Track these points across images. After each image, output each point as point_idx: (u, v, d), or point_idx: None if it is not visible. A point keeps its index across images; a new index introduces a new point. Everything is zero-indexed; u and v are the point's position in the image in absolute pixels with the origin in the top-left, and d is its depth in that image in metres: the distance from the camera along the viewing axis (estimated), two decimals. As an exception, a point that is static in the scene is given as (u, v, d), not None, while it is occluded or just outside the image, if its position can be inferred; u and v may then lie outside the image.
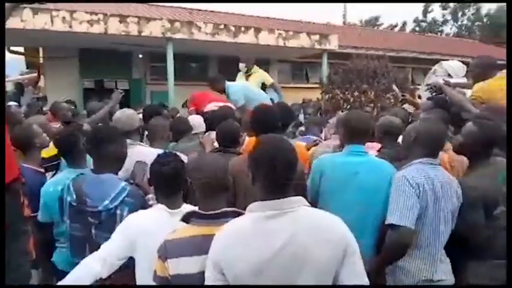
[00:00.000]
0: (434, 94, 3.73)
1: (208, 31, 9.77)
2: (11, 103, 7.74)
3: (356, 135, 2.32)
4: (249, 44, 10.25)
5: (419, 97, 5.40)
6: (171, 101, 9.17)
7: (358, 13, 49.92)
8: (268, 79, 6.33)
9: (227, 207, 1.66)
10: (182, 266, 1.58)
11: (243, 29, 10.24)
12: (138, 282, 1.85)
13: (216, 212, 1.62)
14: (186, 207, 1.91)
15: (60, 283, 1.77)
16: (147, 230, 1.80)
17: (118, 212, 2.02)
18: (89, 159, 2.75)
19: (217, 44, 10.10)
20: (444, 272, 2.07)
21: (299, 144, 3.04)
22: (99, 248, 1.82)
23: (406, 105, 4.79)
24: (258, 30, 10.42)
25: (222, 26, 10.01)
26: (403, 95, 4.87)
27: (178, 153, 2.08)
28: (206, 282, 1.45)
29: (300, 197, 1.44)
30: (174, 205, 1.89)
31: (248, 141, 2.92)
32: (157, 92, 11.14)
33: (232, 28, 10.09)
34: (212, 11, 13.41)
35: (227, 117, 3.20)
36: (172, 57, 9.49)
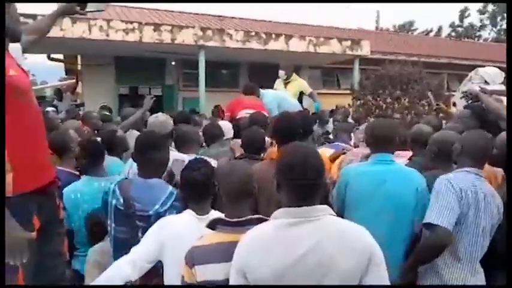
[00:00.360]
0: (470, 102, 3.61)
1: (239, 38, 9.87)
2: (49, 108, 8.10)
3: (381, 143, 2.28)
4: (280, 50, 10.27)
5: (454, 104, 5.23)
6: (202, 107, 9.30)
7: (392, 18, 49.06)
8: (307, 88, 6.38)
9: (251, 214, 1.66)
10: (209, 272, 1.60)
11: (273, 36, 10.27)
12: (166, 283, 1.88)
13: (242, 219, 1.63)
14: (214, 214, 1.93)
15: (92, 283, 1.83)
16: (176, 235, 1.83)
17: (167, 215, 2.04)
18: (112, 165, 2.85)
19: (248, 51, 10.18)
20: (478, 282, 2.02)
21: (321, 152, 3.02)
22: None
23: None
24: (288, 37, 10.43)
25: (252, 33, 10.09)
26: (437, 104, 4.75)
27: (208, 159, 2.12)
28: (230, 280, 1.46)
29: (326, 206, 1.43)
30: (203, 211, 1.90)
31: (270, 149, 2.92)
32: (189, 98, 11.33)
33: (263, 35, 10.15)
34: (243, 18, 13.55)
35: (254, 124, 3.23)
36: (204, 64, 9.64)
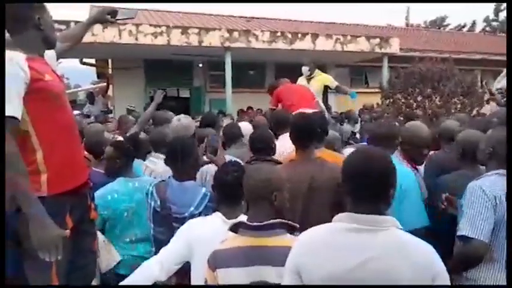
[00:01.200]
0: (504, 100, 3.48)
1: (265, 39, 9.89)
2: (76, 112, 8.39)
3: (377, 141, 2.36)
4: (306, 50, 10.20)
5: (488, 102, 5.06)
6: (229, 108, 9.37)
7: (422, 13, 47.79)
8: (332, 82, 6.21)
9: (273, 218, 1.64)
10: (231, 276, 1.60)
11: (299, 35, 10.23)
12: (193, 284, 1.90)
13: (262, 223, 1.62)
14: (243, 218, 1.94)
15: (121, 283, 1.89)
16: (203, 238, 1.84)
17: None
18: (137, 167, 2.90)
19: (274, 51, 10.18)
20: (505, 279, 1.93)
21: (335, 155, 2.94)
22: None
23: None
24: (315, 36, 10.35)
25: (278, 34, 10.08)
26: (491, 94, 4.58)
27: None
28: (284, 284, 1.44)
29: (393, 218, 1.36)
30: (233, 214, 1.89)
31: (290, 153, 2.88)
32: (216, 100, 11.45)
33: (289, 35, 10.12)
34: (269, 19, 13.55)
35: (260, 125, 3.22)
36: (231, 65, 9.71)
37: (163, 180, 2.37)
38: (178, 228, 2.08)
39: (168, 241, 2.05)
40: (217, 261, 1.65)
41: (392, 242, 1.31)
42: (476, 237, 1.87)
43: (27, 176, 1.70)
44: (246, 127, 3.82)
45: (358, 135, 5.04)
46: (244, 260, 1.59)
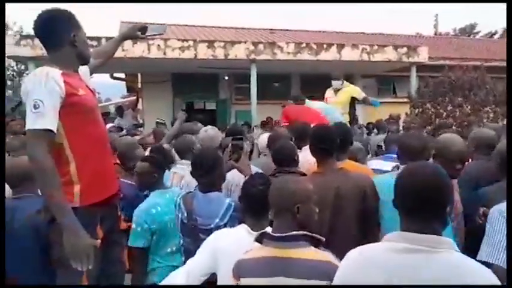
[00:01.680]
0: None
1: (290, 50, 9.93)
2: (109, 125, 8.65)
3: (408, 154, 2.33)
4: (332, 61, 10.17)
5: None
6: (254, 120, 9.42)
7: (451, 21, 46.87)
8: (359, 93, 6.26)
9: (297, 230, 1.63)
10: (254, 286, 1.60)
11: (325, 46, 10.21)
12: None
13: (284, 234, 1.61)
14: (269, 230, 1.93)
15: None
16: (229, 249, 1.85)
17: (228, 227, 2.15)
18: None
19: (299, 62, 10.20)
20: None
21: (358, 165, 2.87)
22: None
23: None
24: (340, 47, 10.31)
25: (303, 45, 10.10)
26: None
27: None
28: None
29: (450, 239, 1.29)
30: (259, 227, 1.88)
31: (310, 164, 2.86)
32: (241, 111, 11.54)
33: (314, 46, 10.12)
34: (294, 30, 13.61)
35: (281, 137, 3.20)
36: (256, 77, 9.79)
37: (189, 192, 2.41)
38: (205, 239, 2.08)
39: (195, 252, 2.06)
40: (241, 270, 1.66)
41: (449, 265, 1.23)
42: (497, 263, 1.79)
43: (61, 187, 1.76)
44: (261, 139, 3.82)
45: (383, 146, 4.93)
46: (268, 271, 1.58)
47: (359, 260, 1.36)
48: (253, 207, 1.94)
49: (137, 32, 2.52)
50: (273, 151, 2.92)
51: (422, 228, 1.27)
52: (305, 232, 1.63)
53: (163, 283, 1.93)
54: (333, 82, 6.23)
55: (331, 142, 2.43)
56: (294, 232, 1.62)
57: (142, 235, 2.48)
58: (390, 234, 1.33)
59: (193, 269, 1.89)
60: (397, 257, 1.27)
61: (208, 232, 2.12)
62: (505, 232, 1.82)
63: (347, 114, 6.07)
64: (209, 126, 3.49)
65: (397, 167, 2.68)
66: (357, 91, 6.30)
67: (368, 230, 2.29)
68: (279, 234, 1.63)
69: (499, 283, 1.24)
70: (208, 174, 2.31)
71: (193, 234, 2.20)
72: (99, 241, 1.82)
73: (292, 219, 1.66)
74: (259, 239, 1.69)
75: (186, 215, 2.23)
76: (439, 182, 1.30)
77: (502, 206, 1.91)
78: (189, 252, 2.15)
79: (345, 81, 6.26)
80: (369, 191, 2.30)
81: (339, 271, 1.40)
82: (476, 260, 1.82)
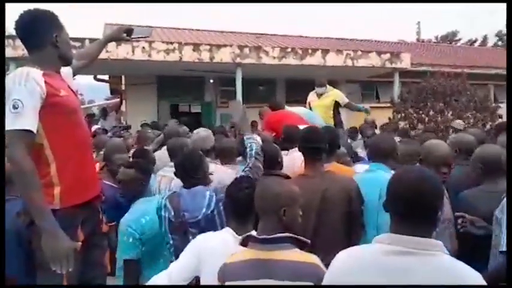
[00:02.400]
0: None
1: (275, 55, 9.98)
2: (96, 127, 8.54)
3: (376, 155, 2.55)
4: (317, 66, 10.27)
5: (501, 117, 5.00)
6: (240, 123, 9.43)
7: (433, 29, 47.79)
8: (342, 98, 6.26)
9: (282, 232, 1.64)
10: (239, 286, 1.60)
11: (310, 51, 10.30)
12: None
13: (269, 237, 1.62)
14: (254, 233, 1.94)
15: None
16: (212, 254, 1.84)
17: (215, 213, 2.24)
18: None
19: (284, 67, 10.26)
20: None
21: (346, 168, 2.93)
22: None
23: None
24: (325, 52, 10.42)
25: (289, 50, 10.17)
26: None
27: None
28: None
29: (440, 242, 1.30)
30: (243, 230, 1.88)
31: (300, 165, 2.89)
32: (226, 114, 11.53)
33: (299, 51, 10.20)
34: (279, 35, 13.70)
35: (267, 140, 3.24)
36: (241, 81, 9.80)
37: (174, 192, 2.41)
38: (194, 233, 2.16)
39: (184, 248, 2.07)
40: (225, 274, 1.66)
41: (441, 268, 1.23)
42: None
43: (41, 190, 1.73)
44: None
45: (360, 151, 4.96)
46: (252, 273, 1.59)
47: (349, 262, 1.35)
48: (238, 210, 1.94)
49: (123, 34, 2.50)
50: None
51: (413, 231, 1.27)
52: (290, 234, 1.64)
53: (146, 285, 1.91)
54: (317, 88, 6.26)
55: (320, 143, 2.47)
56: (279, 234, 1.62)
57: (134, 246, 2.35)
58: (381, 236, 1.34)
59: (176, 272, 1.88)
60: (388, 259, 1.27)
61: (197, 224, 2.18)
62: None
63: (330, 118, 6.08)
64: (201, 129, 3.48)
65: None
66: (340, 96, 6.31)
67: (352, 232, 2.33)
68: (263, 237, 1.63)
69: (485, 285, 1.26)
70: (190, 176, 2.35)
71: (181, 231, 2.21)
72: (79, 243, 1.80)
73: (278, 221, 1.66)
74: (244, 242, 1.69)
75: (173, 213, 2.24)
76: (429, 187, 1.31)
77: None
78: (178, 250, 2.14)
79: (328, 86, 6.28)
80: (354, 194, 2.35)
81: (329, 273, 1.39)
82: (501, 250, 1.93)
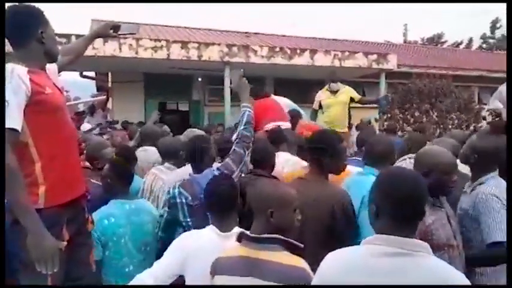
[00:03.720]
0: (496, 119, 3.53)
1: (264, 54, 9.99)
2: (86, 125, 8.45)
3: (374, 158, 2.53)
4: (305, 65, 10.31)
5: (484, 118, 5.10)
6: (227, 122, 9.41)
7: (420, 31, 48.44)
8: (356, 94, 6.04)
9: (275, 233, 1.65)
10: (226, 284, 1.62)
11: (298, 51, 10.34)
12: None
13: (260, 236, 1.63)
14: (238, 231, 1.94)
15: None
16: (196, 251, 1.85)
17: None
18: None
19: (272, 66, 10.27)
20: None
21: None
22: None
23: None
24: (313, 52, 10.46)
25: (277, 49, 10.19)
26: (484, 118, 4.66)
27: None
28: None
29: (425, 243, 1.32)
30: (226, 228, 1.91)
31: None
32: (214, 113, 11.50)
33: (288, 50, 10.23)
34: (268, 34, 13.71)
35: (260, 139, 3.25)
36: (229, 79, 9.78)
37: (184, 180, 2.48)
38: None
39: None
40: (217, 268, 1.69)
41: (429, 268, 1.26)
42: (505, 239, 2.00)
43: (25, 189, 1.71)
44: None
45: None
46: (241, 270, 1.60)
47: (338, 264, 1.35)
48: (218, 206, 1.96)
49: (109, 31, 2.47)
50: (251, 152, 2.93)
51: (400, 232, 1.29)
52: (278, 236, 1.63)
53: (128, 284, 1.90)
54: (332, 85, 5.82)
55: (322, 145, 2.34)
56: (267, 235, 1.64)
57: (95, 245, 2.28)
58: (369, 238, 1.34)
59: (161, 271, 1.87)
60: (378, 260, 1.28)
61: None
62: (502, 211, 2.05)
63: (347, 115, 5.85)
64: (196, 129, 3.44)
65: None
66: (353, 91, 6.02)
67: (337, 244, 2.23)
68: (253, 235, 1.65)
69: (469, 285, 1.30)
70: (199, 161, 2.49)
71: (200, 213, 2.26)
72: (64, 243, 1.78)
73: (266, 222, 1.67)
74: (239, 238, 1.71)
75: (190, 197, 2.31)
76: (420, 188, 1.33)
77: (492, 190, 2.13)
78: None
79: (339, 83, 5.92)
80: (339, 208, 2.19)
81: (317, 275, 1.40)
82: (490, 242, 2.03)
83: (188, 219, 2.33)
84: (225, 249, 1.75)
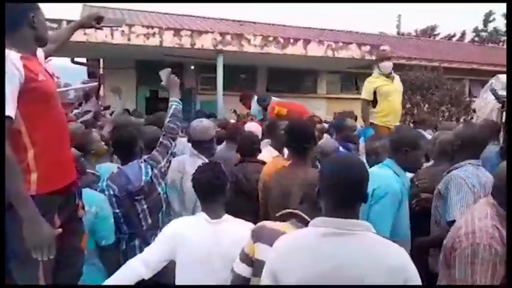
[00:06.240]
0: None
1: (257, 43, 9.94)
2: (76, 111, 8.36)
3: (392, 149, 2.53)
4: (298, 55, 10.29)
5: (475, 111, 5.16)
6: (220, 110, 9.40)
7: (413, 22, 48.40)
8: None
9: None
10: (266, 254, 1.63)
11: (291, 40, 10.30)
12: (177, 283, 1.93)
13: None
14: (227, 218, 1.98)
15: (105, 282, 1.91)
16: (186, 237, 1.89)
17: (153, 177, 2.55)
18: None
19: (266, 55, 10.24)
20: None
21: None
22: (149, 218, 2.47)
23: None
24: (307, 42, 10.44)
25: (271, 38, 10.14)
26: (474, 111, 4.71)
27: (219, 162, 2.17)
28: (261, 284, 1.49)
29: (367, 222, 1.42)
30: (215, 214, 1.95)
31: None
32: (206, 102, 11.46)
33: (281, 40, 10.19)
34: (261, 23, 13.63)
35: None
36: (222, 68, 9.74)
37: (112, 172, 2.64)
38: (141, 199, 2.49)
39: (133, 216, 2.47)
40: (260, 236, 1.72)
41: (364, 247, 1.34)
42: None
43: (21, 176, 1.71)
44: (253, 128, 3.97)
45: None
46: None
47: (284, 247, 1.44)
48: (206, 194, 2.01)
49: (93, 22, 2.50)
50: (239, 141, 3.15)
51: (345, 214, 1.37)
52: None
53: (119, 271, 1.93)
54: (383, 65, 4.84)
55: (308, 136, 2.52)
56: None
57: None
58: (315, 220, 1.43)
59: (152, 257, 1.91)
60: (318, 241, 1.36)
61: (141, 191, 2.52)
62: (469, 194, 2.24)
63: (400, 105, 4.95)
64: (203, 119, 3.36)
65: None
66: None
67: None
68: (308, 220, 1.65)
69: (410, 261, 1.37)
70: (129, 150, 2.65)
71: (128, 202, 2.52)
72: (59, 230, 1.79)
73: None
74: (284, 218, 1.76)
75: (117, 189, 2.52)
76: (364, 171, 1.43)
77: (461, 174, 2.31)
78: (128, 218, 2.54)
79: (388, 62, 4.91)
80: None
81: (268, 258, 1.47)
82: (449, 220, 2.18)
83: (117, 210, 2.49)
84: (215, 237, 1.77)
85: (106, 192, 2.52)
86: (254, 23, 13.51)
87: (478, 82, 13.84)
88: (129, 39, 9.00)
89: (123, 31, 8.90)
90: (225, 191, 2.03)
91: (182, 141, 3.30)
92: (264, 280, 1.45)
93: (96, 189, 2.57)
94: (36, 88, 1.80)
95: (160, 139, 2.68)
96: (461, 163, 2.38)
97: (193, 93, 12.17)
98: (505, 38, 32.37)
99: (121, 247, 2.55)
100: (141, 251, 2.24)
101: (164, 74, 3.07)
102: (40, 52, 2.03)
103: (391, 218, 2.19)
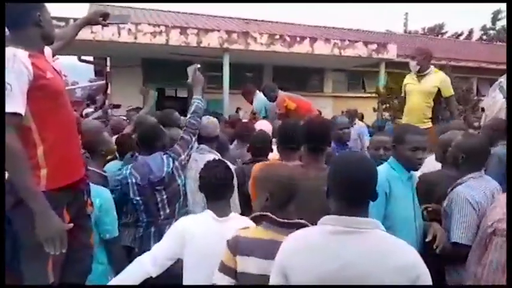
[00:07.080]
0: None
1: (263, 41, 9.94)
2: (88, 110, 8.42)
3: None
4: (304, 53, 10.27)
5: (483, 109, 5.10)
6: (226, 109, 9.41)
7: (421, 20, 48.08)
8: (448, 88, 4.66)
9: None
10: (249, 265, 1.63)
11: (298, 39, 10.29)
12: (185, 282, 1.94)
13: (290, 221, 1.64)
14: (234, 216, 1.97)
15: (113, 280, 1.92)
16: (194, 235, 1.89)
17: (174, 169, 2.65)
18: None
19: (272, 54, 10.23)
20: None
21: None
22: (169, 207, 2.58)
23: None
24: (313, 40, 10.42)
25: (277, 37, 10.13)
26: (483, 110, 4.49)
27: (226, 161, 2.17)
28: (270, 283, 1.47)
29: (376, 220, 1.41)
30: (222, 212, 1.95)
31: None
32: (213, 100, 11.46)
33: (288, 38, 10.17)
34: (268, 21, 13.62)
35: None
36: (228, 66, 9.75)
37: (135, 162, 2.75)
38: (161, 189, 2.59)
39: (152, 205, 2.58)
40: (238, 247, 1.68)
41: (372, 244, 1.33)
42: (465, 242, 2.16)
43: (30, 171, 1.73)
44: (263, 126, 3.97)
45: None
46: (265, 252, 1.61)
47: (295, 245, 1.43)
48: (213, 192, 1.99)
49: (99, 18, 2.50)
50: (250, 141, 3.16)
51: (352, 212, 1.36)
52: (304, 222, 1.65)
53: (128, 268, 1.93)
54: (412, 64, 4.65)
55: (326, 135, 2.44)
56: (299, 221, 1.64)
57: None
58: (324, 218, 1.41)
59: (160, 254, 1.92)
60: (327, 239, 1.36)
61: (162, 182, 2.61)
62: (472, 213, 2.16)
63: (428, 107, 4.53)
64: (210, 116, 3.36)
65: None
66: (447, 83, 4.64)
67: None
68: (284, 220, 1.65)
69: (420, 260, 1.35)
70: (153, 145, 2.75)
71: (149, 191, 2.61)
72: (71, 225, 1.81)
73: (291, 205, 1.71)
74: (256, 220, 1.72)
75: (139, 178, 2.60)
76: (372, 169, 1.42)
77: (464, 190, 2.23)
78: (148, 206, 2.63)
79: (432, 66, 4.69)
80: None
81: (278, 255, 1.45)
82: (452, 242, 2.14)
83: (138, 198, 2.60)
84: (222, 235, 1.76)
85: (128, 180, 2.61)
86: (260, 21, 13.50)
87: (486, 80, 13.73)
88: (135, 38, 9.04)
89: (129, 29, 8.94)
90: (231, 189, 2.02)
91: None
92: (275, 279, 1.44)
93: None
94: (45, 86, 1.81)
95: (182, 134, 2.81)
96: (463, 178, 2.31)
97: (199, 92, 12.18)
98: (514, 36, 31.94)
99: (137, 234, 2.65)
100: (155, 238, 2.41)
101: (191, 70, 3.07)
102: (48, 50, 2.04)
103: (377, 209, 2.06)
